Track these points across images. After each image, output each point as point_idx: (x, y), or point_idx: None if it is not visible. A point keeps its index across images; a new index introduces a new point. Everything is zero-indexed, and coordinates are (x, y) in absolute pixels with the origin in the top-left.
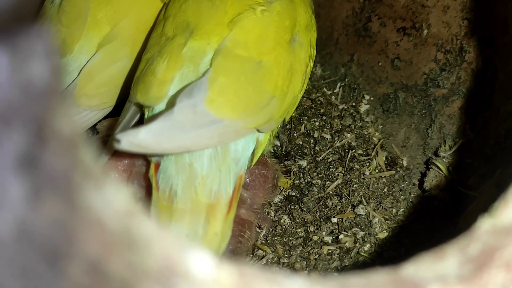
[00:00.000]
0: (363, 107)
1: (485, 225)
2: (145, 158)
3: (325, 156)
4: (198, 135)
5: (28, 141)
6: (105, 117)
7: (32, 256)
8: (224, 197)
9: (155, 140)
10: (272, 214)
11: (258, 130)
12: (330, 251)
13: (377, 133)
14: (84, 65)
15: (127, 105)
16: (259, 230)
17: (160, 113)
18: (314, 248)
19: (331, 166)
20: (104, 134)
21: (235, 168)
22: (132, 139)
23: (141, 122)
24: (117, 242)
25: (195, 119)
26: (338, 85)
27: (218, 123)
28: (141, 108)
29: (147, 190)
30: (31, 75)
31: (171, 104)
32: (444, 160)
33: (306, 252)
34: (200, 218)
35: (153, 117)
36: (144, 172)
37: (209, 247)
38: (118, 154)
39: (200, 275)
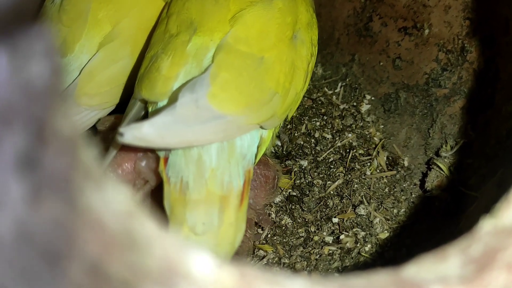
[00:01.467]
0: (364, 107)
1: (487, 226)
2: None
3: (326, 156)
4: (202, 129)
5: (28, 141)
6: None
7: (32, 257)
8: (235, 189)
9: (158, 134)
10: (273, 214)
11: (261, 127)
12: (331, 251)
13: (378, 133)
14: (85, 65)
15: (132, 102)
16: (260, 231)
17: (163, 108)
18: (315, 248)
19: (332, 166)
20: (106, 130)
21: (242, 161)
22: (135, 133)
23: (145, 118)
24: (118, 242)
25: (197, 113)
26: (339, 84)
27: (221, 118)
28: (145, 104)
29: (156, 176)
30: (31, 75)
31: (173, 99)
32: (446, 160)
33: (307, 252)
34: (215, 208)
35: (157, 112)
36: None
37: (225, 237)
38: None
39: (200, 276)
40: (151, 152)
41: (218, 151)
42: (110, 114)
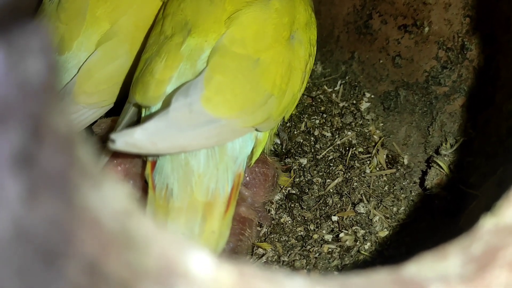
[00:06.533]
0: (364, 105)
1: (487, 224)
2: (142, 157)
3: (325, 154)
4: (195, 134)
5: (24, 139)
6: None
7: (29, 255)
8: (221, 195)
9: (151, 140)
10: (273, 212)
11: (256, 129)
12: (330, 250)
13: (377, 131)
14: (83, 63)
15: (127, 106)
16: (259, 229)
17: (156, 113)
18: (314, 246)
19: (331, 164)
20: (103, 134)
21: (233, 166)
22: (127, 139)
23: (139, 123)
24: (115, 241)
25: (191, 118)
26: (339, 82)
27: (215, 122)
28: (140, 108)
29: (144, 190)
30: (27, 72)
31: (167, 103)
32: (445, 158)
33: (306, 251)
34: (197, 216)
35: (149, 117)
36: (140, 172)
37: (206, 245)
38: (118, 156)
39: (199, 275)
40: (137, 159)
41: (207, 156)
42: (107, 113)
